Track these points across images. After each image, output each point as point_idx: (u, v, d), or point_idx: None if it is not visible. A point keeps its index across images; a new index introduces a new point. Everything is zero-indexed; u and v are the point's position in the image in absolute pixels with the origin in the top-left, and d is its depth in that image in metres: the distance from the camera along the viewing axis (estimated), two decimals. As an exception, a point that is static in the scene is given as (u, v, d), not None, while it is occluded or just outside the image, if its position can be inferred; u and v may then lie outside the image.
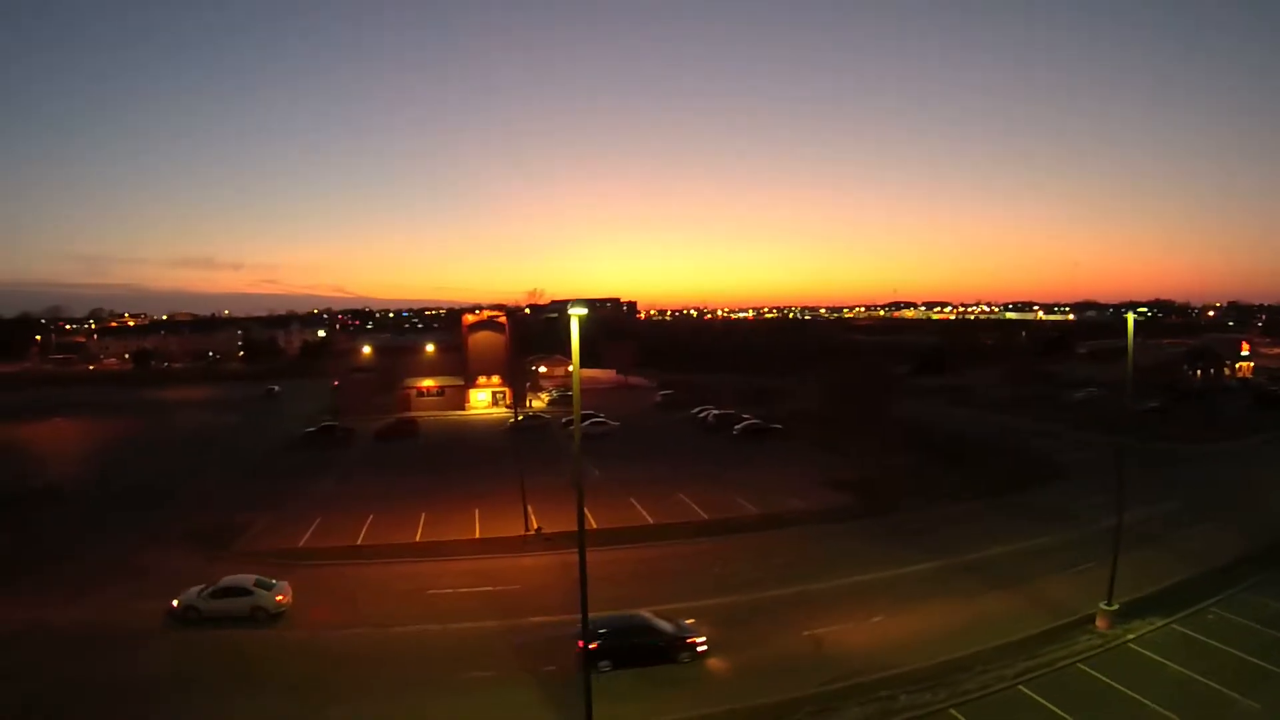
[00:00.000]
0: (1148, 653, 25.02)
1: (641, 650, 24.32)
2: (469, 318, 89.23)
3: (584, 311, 18.46)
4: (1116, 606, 26.88)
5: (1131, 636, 26.11)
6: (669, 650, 24.49)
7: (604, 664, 23.59)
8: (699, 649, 24.68)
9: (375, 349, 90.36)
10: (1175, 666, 23.89)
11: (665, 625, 25.22)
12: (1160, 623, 27.16)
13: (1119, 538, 27.00)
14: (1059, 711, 21.31)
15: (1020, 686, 22.87)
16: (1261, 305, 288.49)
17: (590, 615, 18.99)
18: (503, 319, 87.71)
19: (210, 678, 24.02)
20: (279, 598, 28.85)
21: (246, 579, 29.26)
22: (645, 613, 26.04)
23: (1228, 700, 21.71)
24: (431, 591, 31.57)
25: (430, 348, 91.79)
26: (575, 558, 19.23)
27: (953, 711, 21.54)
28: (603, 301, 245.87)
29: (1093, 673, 23.71)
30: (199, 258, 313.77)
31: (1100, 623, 26.70)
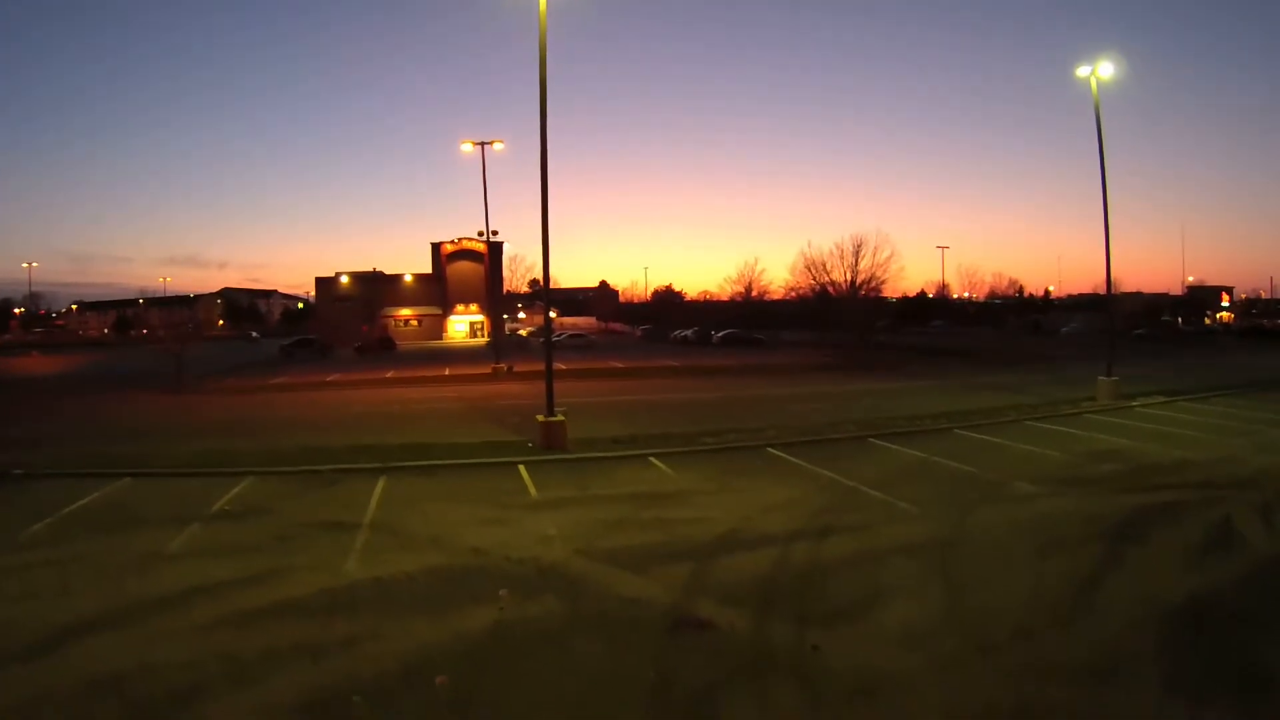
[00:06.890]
0: (1154, 410, 23.74)
1: None
2: (447, 246, 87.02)
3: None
4: (1116, 378, 25.61)
5: (1137, 404, 24.83)
6: None
7: None
8: None
9: (354, 278, 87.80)
10: (1185, 417, 22.58)
11: None
12: (1164, 400, 25.91)
13: (1111, 317, 25.58)
14: (1067, 429, 19.99)
15: (1026, 421, 21.60)
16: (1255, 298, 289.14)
17: None
18: (482, 248, 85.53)
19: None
20: None
21: None
22: None
23: (1249, 428, 20.35)
24: (399, 395, 30.22)
25: (409, 278, 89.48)
26: (543, 386, 18.99)
27: (957, 431, 20.11)
28: (586, 291, 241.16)
29: (1100, 417, 22.41)
30: (183, 255, 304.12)
31: (1101, 395, 25.37)
